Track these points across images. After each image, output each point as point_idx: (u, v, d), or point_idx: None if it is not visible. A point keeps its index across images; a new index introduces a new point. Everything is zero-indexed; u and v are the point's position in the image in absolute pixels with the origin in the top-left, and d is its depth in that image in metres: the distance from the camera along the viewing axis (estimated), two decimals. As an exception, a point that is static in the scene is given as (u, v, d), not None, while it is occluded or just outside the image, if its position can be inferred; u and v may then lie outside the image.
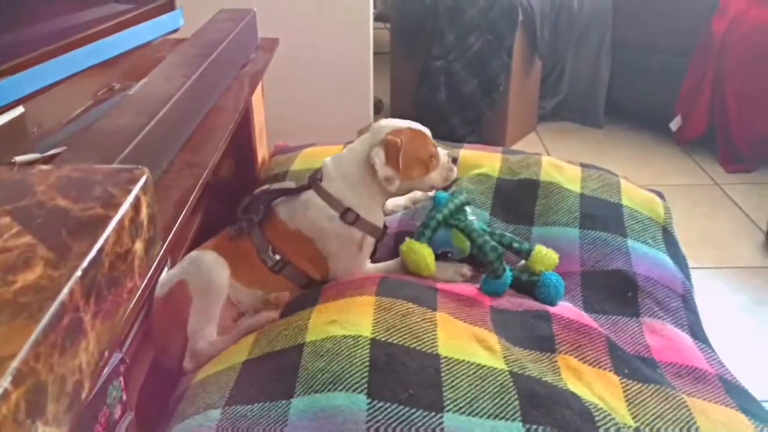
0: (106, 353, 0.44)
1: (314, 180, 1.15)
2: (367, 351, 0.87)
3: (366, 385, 0.83)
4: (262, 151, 1.63)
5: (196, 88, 1.08)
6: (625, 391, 0.92)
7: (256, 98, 1.56)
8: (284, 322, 1.00)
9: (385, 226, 1.17)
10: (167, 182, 0.93)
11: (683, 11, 2.58)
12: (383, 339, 0.89)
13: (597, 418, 0.82)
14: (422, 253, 1.10)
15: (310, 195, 1.14)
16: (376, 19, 2.58)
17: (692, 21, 2.54)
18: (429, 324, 0.93)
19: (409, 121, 1.17)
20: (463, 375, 0.85)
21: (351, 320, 0.93)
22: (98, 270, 0.42)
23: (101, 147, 0.81)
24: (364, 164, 1.12)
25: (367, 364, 0.85)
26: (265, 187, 1.15)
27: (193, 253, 1.14)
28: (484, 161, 1.41)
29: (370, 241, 1.14)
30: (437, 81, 2.60)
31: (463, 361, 0.88)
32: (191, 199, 0.92)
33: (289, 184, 1.17)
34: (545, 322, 1.01)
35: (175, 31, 1.41)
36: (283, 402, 0.83)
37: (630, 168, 2.36)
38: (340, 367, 0.85)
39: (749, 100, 2.46)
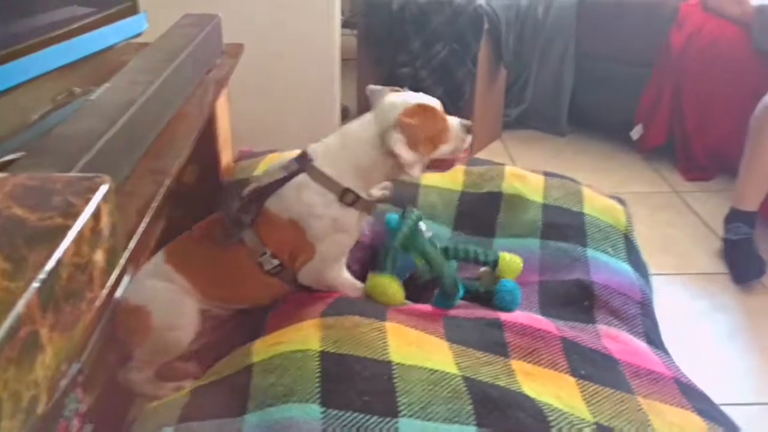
0: (64, 366, 0.43)
1: (306, 161, 1.08)
2: (317, 362, 0.87)
3: (319, 395, 0.83)
4: (226, 157, 1.62)
5: (159, 93, 1.06)
6: (582, 392, 0.93)
7: (221, 104, 1.55)
8: (228, 357, 1.00)
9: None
10: (129, 189, 0.91)
11: (644, 24, 2.64)
12: (332, 351, 0.89)
13: (550, 418, 0.84)
14: (385, 286, 1.08)
15: (303, 178, 1.06)
16: (343, 25, 2.58)
17: (653, 34, 2.60)
18: (378, 333, 0.93)
19: (414, 94, 1.13)
20: (416, 380, 0.86)
21: (297, 338, 0.93)
22: (56, 281, 0.41)
23: (60, 153, 0.80)
24: (371, 146, 1.06)
25: (318, 374, 0.85)
26: (253, 185, 1.08)
27: (159, 283, 1.08)
28: (447, 176, 1.42)
29: (355, 228, 1.10)
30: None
31: (416, 366, 0.88)
32: (153, 206, 0.90)
33: (276, 173, 1.08)
34: (497, 330, 1.02)
35: (139, 35, 1.39)
36: (237, 418, 0.83)
37: (592, 176, 2.40)
38: (292, 379, 0.86)
39: (706, 111, 2.52)
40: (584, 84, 2.83)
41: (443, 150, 1.09)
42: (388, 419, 0.80)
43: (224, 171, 1.58)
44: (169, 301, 1.07)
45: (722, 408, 1.00)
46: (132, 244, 0.81)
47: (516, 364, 0.95)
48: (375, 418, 0.80)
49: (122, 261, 0.75)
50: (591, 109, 2.87)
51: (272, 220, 1.07)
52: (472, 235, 1.31)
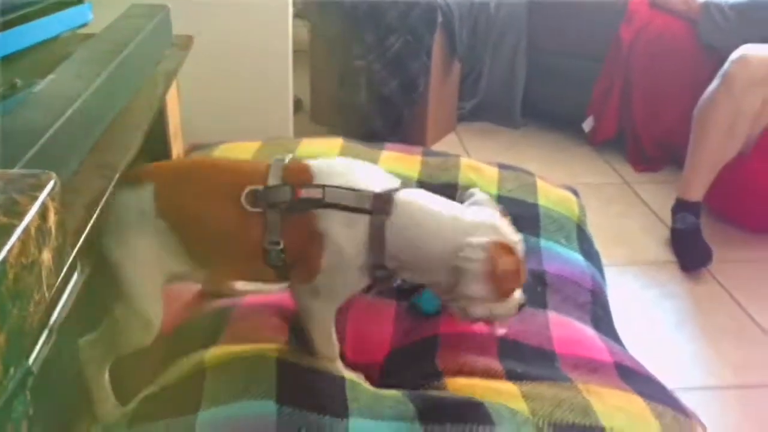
0: (12, 369, 0.41)
1: (382, 209, 0.89)
2: (273, 364, 0.89)
3: (275, 393, 0.84)
4: (177, 151, 1.58)
5: (106, 86, 1.03)
6: (521, 391, 0.94)
7: (171, 97, 1.51)
8: (179, 362, 0.96)
9: None
10: (77, 185, 0.88)
11: (594, 19, 2.69)
12: (290, 360, 0.91)
13: (493, 415, 0.85)
14: None
15: (363, 224, 0.88)
16: (296, 16, 2.55)
17: (603, 28, 2.65)
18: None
19: (507, 226, 0.94)
20: (363, 391, 0.90)
21: (254, 349, 0.94)
22: (2, 282, 0.40)
23: (3, 148, 0.76)
24: (441, 249, 0.89)
25: (275, 374, 0.87)
26: (317, 184, 0.90)
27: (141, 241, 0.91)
28: (405, 164, 1.42)
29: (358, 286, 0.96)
30: (358, 81, 2.60)
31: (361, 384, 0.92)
32: (103, 201, 0.87)
33: (347, 198, 0.89)
34: (432, 350, 1.01)
35: (84, 25, 1.35)
36: (190, 416, 0.82)
37: (545, 167, 2.44)
38: (248, 377, 0.86)
39: (654, 104, 2.58)
40: (537, 77, 2.87)
41: (498, 308, 0.93)
42: (339, 419, 0.82)
43: (176, 165, 1.55)
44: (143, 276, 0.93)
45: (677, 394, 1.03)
46: (80, 243, 0.79)
47: (450, 383, 0.95)
48: (328, 417, 0.82)
49: (70, 260, 0.73)
50: (544, 101, 2.91)
51: (307, 219, 0.91)
52: None
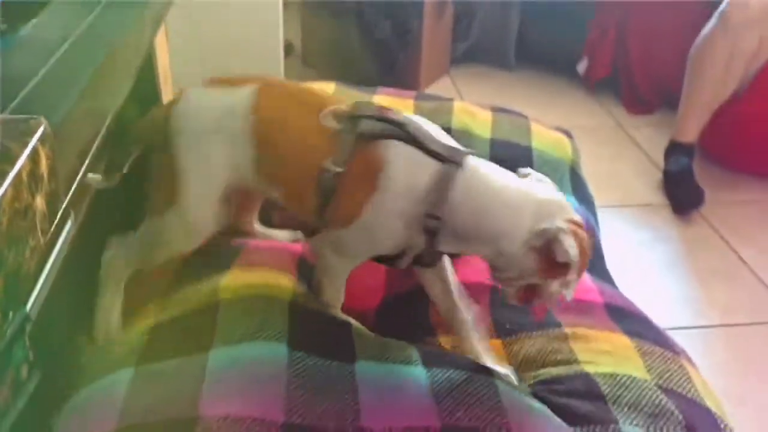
0: (10, 314, 0.41)
1: (455, 160, 0.82)
2: (286, 307, 0.88)
3: (286, 336, 0.83)
4: (167, 97, 1.56)
5: (94, 28, 1.01)
6: (506, 349, 0.96)
7: (159, 41, 1.48)
8: (191, 287, 0.95)
9: None
10: (66, 131, 0.87)
11: (590, -45, 2.63)
12: (302, 302, 0.91)
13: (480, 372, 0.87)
14: None
15: (432, 169, 0.82)
16: (285, -43, 2.48)
17: (598, -35, 2.59)
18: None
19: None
20: (367, 337, 0.91)
21: (270, 281, 0.93)
22: (-5, 228, 0.40)
23: (-10, 94, 0.75)
24: (516, 228, 0.81)
25: (287, 317, 0.86)
26: (408, 123, 0.85)
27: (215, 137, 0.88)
28: (397, 108, 1.40)
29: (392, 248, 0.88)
30: (349, 23, 2.55)
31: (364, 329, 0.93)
32: (94, 148, 0.87)
33: (426, 135, 0.84)
34: (425, 303, 1.02)
35: (67, -34, 1.30)
36: (201, 355, 0.81)
37: (539, 110, 2.41)
38: (261, 318, 0.85)
39: (650, 45, 2.55)
40: (531, 18, 2.82)
41: (555, 284, 0.83)
42: (346, 363, 0.83)
43: (167, 111, 1.53)
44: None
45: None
46: (72, 189, 0.79)
47: (443, 340, 0.97)
48: (336, 362, 0.82)
49: (63, 206, 0.73)
50: (538, 43, 2.87)
51: (376, 148, 0.84)
52: None
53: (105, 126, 0.90)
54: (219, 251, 1.04)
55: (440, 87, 2.75)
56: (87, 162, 0.84)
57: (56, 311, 1.05)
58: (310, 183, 0.85)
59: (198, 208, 0.91)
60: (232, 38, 2.15)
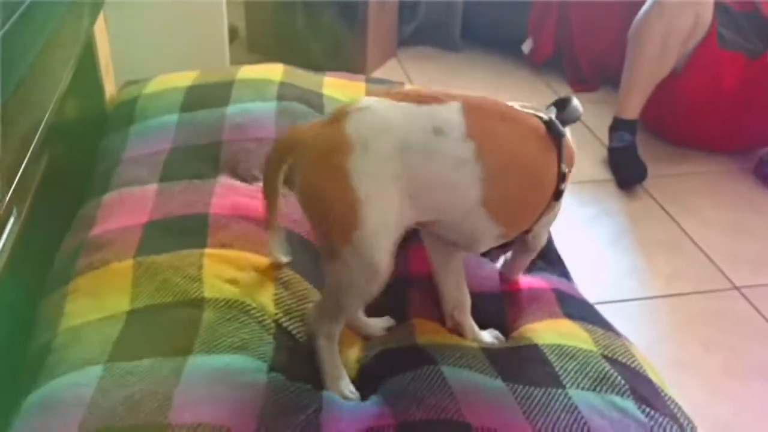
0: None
1: (555, 117, 0.88)
2: (273, 326, 0.88)
3: (270, 359, 0.83)
4: (109, 87, 1.53)
5: (28, 18, 0.97)
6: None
7: (99, 29, 1.44)
8: (169, 264, 0.92)
9: None
10: (4, 125, 0.84)
11: (531, -65, 2.65)
12: (285, 325, 0.90)
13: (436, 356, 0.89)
14: None
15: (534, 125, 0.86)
16: (226, -61, 2.43)
17: (540, -55, 2.61)
18: None
19: None
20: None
21: (251, 283, 0.92)
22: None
23: None
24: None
25: (273, 338, 0.86)
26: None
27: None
28: (348, 91, 1.41)
29: None
30: (294, 7, 2.52)
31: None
32: (35, 142, 0.84)
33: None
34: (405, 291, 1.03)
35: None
36: (179, 358, 0.79)
37: (487, 90, 2.45)
38: (249, 336, 0.84)
39: (591, 24, 2.60)
40: (475, 0, 2.84)
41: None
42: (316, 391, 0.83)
43: (109, 101, 1.50)
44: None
45: (609, 305, 1.09)
46: (14, 185, 0.76)
47: (418, 324, 0.98)
48: (310, 386, 0.83)
49: (4, 204, 0.71)
50: (483, 24, 2.89)
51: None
52: None
53: (45, 119, 0.88)
54: (183, 225, 1.00)
55: (388, 69, 2.75)
56: (28, 156, 0.82)
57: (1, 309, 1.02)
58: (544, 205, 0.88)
59: (379, 248, 0.76)
60: (174, 25, 2.10)
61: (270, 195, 0.84)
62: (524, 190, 0.85)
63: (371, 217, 0.74)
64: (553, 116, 0.89)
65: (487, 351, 0.93)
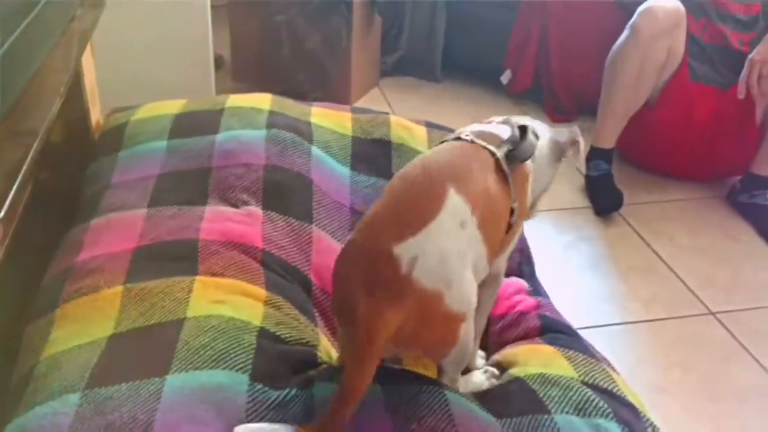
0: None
1: (508, 152, 0.96)
2: (254, 337, 0.88)
3: (250, 368, 0.83)
4: (95, 114, 1.54)
5: (18, 47, 0.99)
6: None
7: (86, 59, 1.46)
8: (159, 290, 0.93)
9: None
10: (-5, 153, 0.85)
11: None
12: (272, 330, 0.90)
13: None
14: None
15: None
16: (212, -30, 2.47)
17: (518, -21, 2.68)
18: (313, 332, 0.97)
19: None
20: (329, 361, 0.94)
21: (241, 305, 0.92)
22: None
23: None
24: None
25: (254, 348, 0.86)
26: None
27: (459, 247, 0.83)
28: (337, 120, 1.43)
29: None
30: (279, 36, 2.56)
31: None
32: (23, 170, 0.85)
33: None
34: None
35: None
36: (156, 379, 0.79)
37: (467, 121, 2.47)
38: (227, 345, 0.84)
39: (568, 56, 2.67)
40: (456, 30, 2.90)
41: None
42: (302, 390, 0.84)
43: (95, 129, 1.51)
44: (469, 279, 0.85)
45: (589, 330, 1.11)
46: (2, 212, 0.77)
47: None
48: (294, 390, 0.83)
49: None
50: (464, 56, 2.95)
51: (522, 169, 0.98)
52: (369, 175, 1.32)
53: (35, 148, 0.89)
54: (172, 252, 1.01)
55: (371, 98, 2.79)
56: (16, 185, 0.82)
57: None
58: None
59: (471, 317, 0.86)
60: (161, 54, 2.13)
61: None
62: (494, 214, 0.91)
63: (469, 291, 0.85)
64: (504, 152, 0.94)
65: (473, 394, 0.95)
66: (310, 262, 1.09)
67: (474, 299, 0.84)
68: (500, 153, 0.93)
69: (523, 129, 0.98)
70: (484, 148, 0.93)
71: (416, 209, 0.82)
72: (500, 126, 1.00)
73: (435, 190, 0.83)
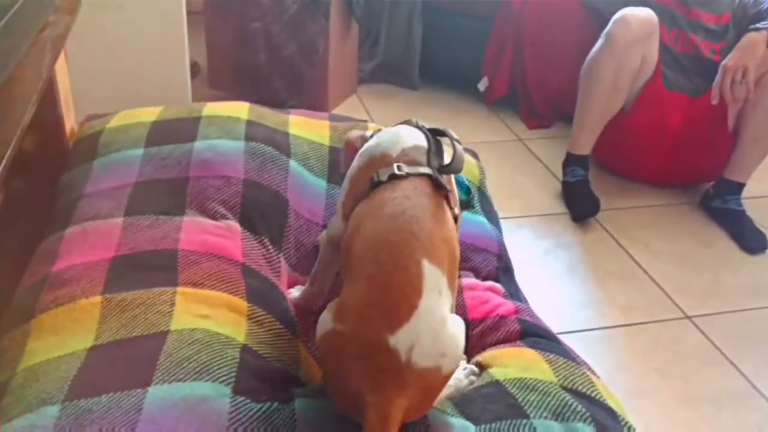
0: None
1: (441, 168, 0.97)
2: (238, 352, 0.87)
3: (233, 380, 0.82)
4: (69, 122, 1.52)
5: (-10, 55, 0.97)
6: None
7: (60, 66, 1.44)
8: (140, 301, 0.91)
9: None
10: (-34, 162, 0.84)
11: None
12: (255, 348, 0.90)
13: None
14: None
15: None
16: (187, -23, 2.45)
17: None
18: (295, 351, 0.97)
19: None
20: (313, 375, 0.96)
21: (226, 320, 0.92)
22: None
23: None
24: None
25: (237, 361, 0.85)
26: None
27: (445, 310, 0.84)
28: (314, 129, 1.42)
29: None
30: (256, 44, 2.55)
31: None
32: (-3, 179, 0.84)
33: None
34: None
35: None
36: (138, 390, 0.77)
37: (444, 126, 2.50)
38: (210, 357, 0.83)
39: (544, 64, 2.69)
40: (433, 39, 2.91)
41: None
42: (285, 405, 0.84)
43: (69, 136, 1.49)
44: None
45: (567, 335, 1.12)
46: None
47: None
48: (276, 404, 0.83)
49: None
50: (441, 63, 2.97)
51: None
52: None
53: (7, 157, 0.87)
54: (152, 261, 0.99)
55: (348, 106, 2.79)
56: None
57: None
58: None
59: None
60: (136, 61, 2.10)
61: None
62: (453, 253, 0.90)
63: None
64: (435, 170, 0.94)
65: (452, 398, 0.95)
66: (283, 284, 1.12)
67: (462, 342, 0.84)
68: (436, 174, 0.93)
69: (437, 133, 1.01)
70: (420, 176, 0.92)
71: (399, 293, 0.80)
72: (413, 132, 1.02)
73: (411, 270, 0.81)
